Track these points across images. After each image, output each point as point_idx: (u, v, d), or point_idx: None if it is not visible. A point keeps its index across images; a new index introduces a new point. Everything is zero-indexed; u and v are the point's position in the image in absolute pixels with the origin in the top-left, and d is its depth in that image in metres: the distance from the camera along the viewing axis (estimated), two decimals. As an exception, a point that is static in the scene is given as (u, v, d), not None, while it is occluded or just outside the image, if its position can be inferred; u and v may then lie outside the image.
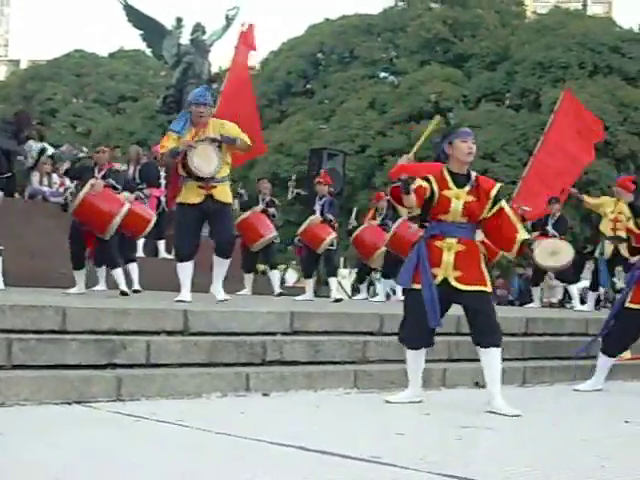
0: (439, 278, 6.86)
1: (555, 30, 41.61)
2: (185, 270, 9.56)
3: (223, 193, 9.46)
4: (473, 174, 7.04)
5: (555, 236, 15.12)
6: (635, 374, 10.17)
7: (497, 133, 36.80)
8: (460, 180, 6.95)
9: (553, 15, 46.03)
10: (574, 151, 15.38)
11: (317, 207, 13.97)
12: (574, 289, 16.29)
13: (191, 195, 9.38)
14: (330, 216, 13.82)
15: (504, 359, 7.12)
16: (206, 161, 9.30)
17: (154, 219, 12.32)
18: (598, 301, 16.59)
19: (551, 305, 22.81)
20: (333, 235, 13.78)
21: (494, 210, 6.95)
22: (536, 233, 15.17)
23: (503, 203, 7.03)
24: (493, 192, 6.97)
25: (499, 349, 6.89)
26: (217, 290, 9.68)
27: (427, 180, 6.85)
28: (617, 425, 6.68)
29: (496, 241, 7.19)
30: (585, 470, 4.86)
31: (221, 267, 9.70)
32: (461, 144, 6.96)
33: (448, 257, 6.86)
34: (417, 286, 6.87)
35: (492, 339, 6.87)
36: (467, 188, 6.92)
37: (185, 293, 9.47)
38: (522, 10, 50.00)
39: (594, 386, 8.82)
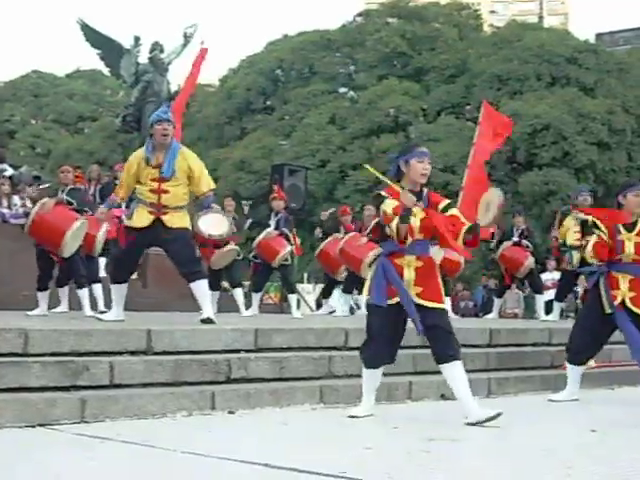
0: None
1: (512, 43, 41.93)
2: (119, 290, 9.44)
3: (176, 219, 9.21)
4: (425, 191, 7.08)
5: (528, 247, 15.17)
6: (603, 382, 10.23)
7: (456, 146, 36.94)
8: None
9: (510, 28, 46.37)
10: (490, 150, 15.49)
11: (272, 222, 13.96)
12: (541, 299, 16.35)
13: (140, 219, 9.21)
14: (286, 230, 13.84)
15: (469, 370, 7.15)
16: (214, 225, 9.24)
17: (102, 232, 12.05)
18: (562, 311, 16.70)
19: (515, 316, 22.89)
20: (289, 249, 13.78)
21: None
22: (508, 243, 15.18)
23: (453, 210, 7.07)
24: (441, 205, 7.03)
25: (460, 362, 6.91)
26: (209, 314, 9.16)
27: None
28: (584, 434, 6.70)
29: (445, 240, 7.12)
30: (548, 478, 4.87)
31: (198, 291, 9.33)
32: (417, 164, 7.00)
33: (409, 274, 6.90)
34: (382, 304, 6.89)
35: (453, 353, 6.89)
36: (421, 205, 6.96)
37: (117, 312, 9.39)
38: (479, 24, 50.32)
39: (569, 397, 8.83)
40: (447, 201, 7.15)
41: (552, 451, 5.87)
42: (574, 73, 40.00)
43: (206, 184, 9.46)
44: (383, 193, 6.96)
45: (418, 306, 6.87)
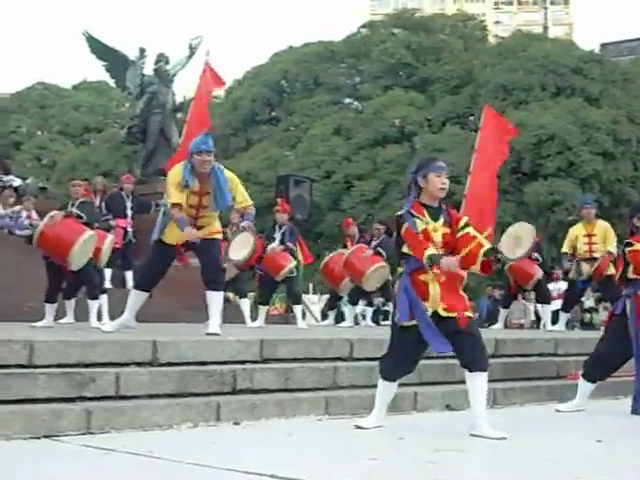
0: (429, 311, 6.86)
1: (517, 53, 41.96)
2: (138, 297, 9.53)
3: (206, 230, 9.37)
4: (444, 206, 7.08)
5: (537, 259, 15.21)
6: (609, 392, 10.21)
7: (462, 156, 36.85)
8: (435, 213, 6.98)
9: (515, 38, 46.43)
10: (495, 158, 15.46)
11: (277, 235, 13.95)
12: (548, 310, 16.36)
13: (172, 235, 9.32)
14: (291, 245, 13.85)
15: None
16: (238, 248, 9.30)
17: (107, 244, 12.11)
18: (567, 321, 16.69)
19: (521, 326, 22.87)
20: (293, 263, 13.80)
21: (461, 234, 6.97)
22: None
23: (469, 228, 7.05)
24: (461, 223, 7.01)
25: (485, 373, 6.89)
26: (212, 327, 9.24)
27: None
28: (590, 444, 6.69)
29: (463, 260, 7.12)
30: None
31: (212, 300, 9.41)
32: (435, 178, 6.99)
33: (434, 289, 6.87)
34: (408, 323, 6.87)
35: (481, 364, 6.86)
36: (442, 220, 6.96)
37: (128, 317, 9.49)
38: (485, 34, 50.38)
39: (576, 407, 8.82)
40: (466, 218, 7.13)
41: (558, 461, 5.87)
42: (579, 83, 40.01)
43: (246, 198, 9.61)
44: (405, 213, 6.93)
45: (447, 319, 6.84)
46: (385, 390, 7.17)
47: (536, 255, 15.31)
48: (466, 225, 7.03)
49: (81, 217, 11.11)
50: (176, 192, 9.15)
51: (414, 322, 6.83)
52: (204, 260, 9.45)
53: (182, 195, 9.15)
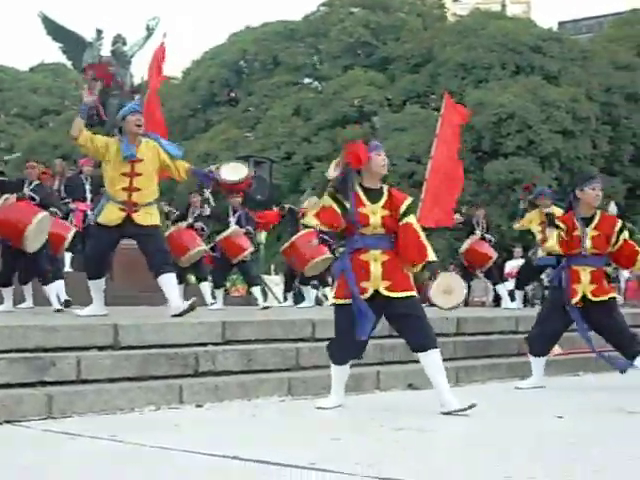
0: (370, 290, 6.89)
1: (476, 31, 41.94)
2: (96, 286, 9.43)
3: (146, 216, 9.21)
4: (385, 188, 7.09)
5: (491, 240, 15.41)
6: (569, 369, 10.30)
7: (422, 135, 36.87)
8: (374, 196, 6.99)
9: (474, 17, 46.37)
10: (453, 147, 15.56)
11: (232, 220, 13.95)
12: (502, 289, 16.52)
13: (110, 216, 9.19)
14: (250, 228, 13.95)
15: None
16: (230, 171, 9.26)
17: (71, 233, 12.16)
18: (526, 299, 16.86)
19: (482, 304, 23.01)
20: (251, 249, 13.97)
21: (402, 223, 6.99)
22: (474, 237, 15.39)
23: (411, 218, 7.06)
24: (402, 208, 7.01)
25: (437, 350, 6.92)
26: (177, 306, 9.14)
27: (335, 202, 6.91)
28: (552, 421, 6.74)
29: (402, 255, 7.11)
30: (520, 466, 4.89)
31: (166, 285, 9.25)
32: (376, 157, 7.01)
33: (376, 268, 6.89)
34: (346, 301, 6.90)
35: (429, 342, 6.90)
36: (381, 202, 6.97)
37: (97, 307, 9.39)
38: (443, 13, 50.35)
39: (535, 384, 8.91)
40: (408, 203, 7.10)
41: (519, 438, 5.91)
42: (538, 61, 40.08)
43: (184, 168, 9.50)
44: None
45: (388, 298, 6.87)
46: (337, 373, 7.20)
47: (488, 236, 15.51)
48: (408, 211, 7.03)
49: (34, 199, 11.08)
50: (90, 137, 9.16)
51: (349, 301, 6.85)
52: (149, 249, 9.27)
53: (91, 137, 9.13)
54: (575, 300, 8.62)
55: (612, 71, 40.02)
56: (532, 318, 9.47)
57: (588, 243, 8.61)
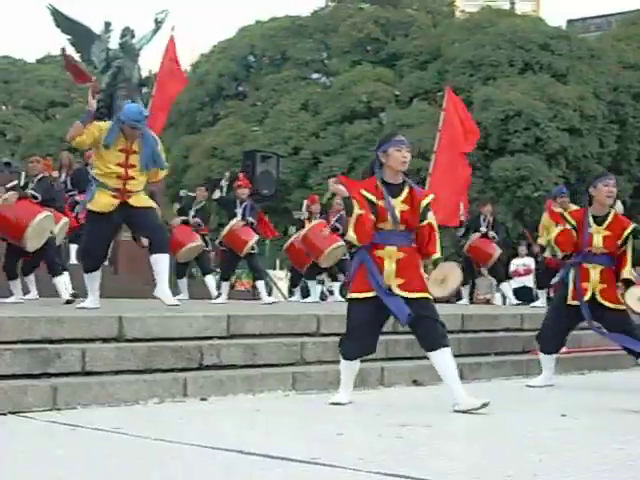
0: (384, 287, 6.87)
1: (485, 28, 41.90)
2: (92, 279, 9.40)
3: (140, 199, 9.21)
4: (407, 184, 7.06)
5: (494, 238, 15.40)
6: (575, 367, 10.29)
7: (430, 132, 36.77)
8: (394, 190, 6.96)
9: (482, 14, 46.33)
10: (460, 143, 15.53)
11: (238, 211, 14.03)
12: (506, 286, 16.52)
13: (102, 202, 9.12)
14: (252, 219, 13.97)
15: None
16: None
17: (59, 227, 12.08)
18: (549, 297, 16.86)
19: (487, 302, 22.96)
20: (256, 238, 13.95)
21: (423, 223, 6.99)
22: (477, 234, 15.41)
23: (431, 218, 7.05)
24: (423, 204, 7.00)
25: (449, 348, 6.90)
26: (164, 293, 9.23)
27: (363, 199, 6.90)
28: (555, 419, 6.73)
29: (419, 249, 7.14)
30: (523, 464, 4.89)
31: (160, 264, 9.23)
32: (395, 153, 6.96)
33: (390, 265, 6.87)
34: (363, 295, 6.87)
35: (441, 341, 6.87)
36: (401, 197, 6.94)
37: (92, 300, 9.38)
38: (452, 9, 50.32)
39: (545, 382, 8.89)
40: (429, 200, 7.09)
41: (523, 436, 5.91)
42: (546, 59, 40.04)
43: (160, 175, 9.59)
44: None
45: (400, 298, 6.85)
46: (347, 368, 7.16)
47: (492, 234, 15.50)
48: (427, 209, 7.02)
49: (36, 197, 11.08)
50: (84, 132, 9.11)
51: (371, 294, 6.84)
52: (147, 227, 9.30)
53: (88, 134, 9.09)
54: (586, 298, 8.53)
55: (620, 70, 39.97)
56: (538, 316, 9.47)
57: (599, 242, 8.54)
